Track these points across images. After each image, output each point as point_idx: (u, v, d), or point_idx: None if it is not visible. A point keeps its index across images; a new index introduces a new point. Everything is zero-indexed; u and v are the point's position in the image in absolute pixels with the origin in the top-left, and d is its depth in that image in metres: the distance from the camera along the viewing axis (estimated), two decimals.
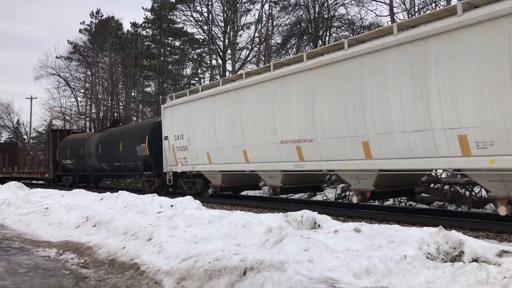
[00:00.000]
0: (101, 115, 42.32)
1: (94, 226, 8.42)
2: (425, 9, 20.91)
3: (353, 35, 23.88)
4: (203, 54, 38.56)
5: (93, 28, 47.17)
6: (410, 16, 21.49)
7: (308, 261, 4.78)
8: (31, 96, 58.83)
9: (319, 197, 16.31)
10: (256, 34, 31.32)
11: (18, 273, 5.83)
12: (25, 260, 6.55)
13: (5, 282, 5.39)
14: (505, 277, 3.76)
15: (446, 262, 4.81)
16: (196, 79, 38.71)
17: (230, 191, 16.42)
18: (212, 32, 32.39)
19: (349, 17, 24.37)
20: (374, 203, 13.38)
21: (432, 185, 13.03)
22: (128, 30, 45.16)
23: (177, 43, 40.71)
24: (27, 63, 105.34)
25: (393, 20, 21.53)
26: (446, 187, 12.80)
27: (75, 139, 27.32)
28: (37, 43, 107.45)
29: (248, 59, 32.62)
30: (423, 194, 13.50)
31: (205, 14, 32.56)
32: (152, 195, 12.12)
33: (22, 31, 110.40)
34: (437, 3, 20.31)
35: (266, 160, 12.66)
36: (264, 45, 30.04)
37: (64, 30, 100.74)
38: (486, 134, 7.60)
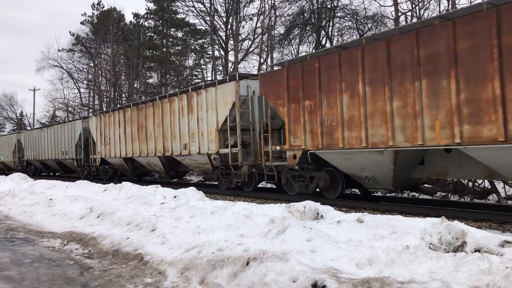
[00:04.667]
0: (104, 107, 42.35)
1: (98, 217, 8.46)
2: None
3: (356, 26, 23.76)
4: (205, 45, 38.47)
5: (95, 20, 47.05)
6: (413, 6, 21.32)
7: (311, 251, 4.80)
8: (34, 88, 58.99)
9: None
10: (259, 25, 31.19)
11: (23, 263, 5.88)
12: (30, 251, 6.61)
13: (10, 272, 5.45)
14: (507, 267, 3.76)
15: (448, 252, 4.83)
16: (199, 70, 38.65)
17: None
18: (215, 23, 32.26)
19: (353, 8, 24.21)
20: (377, 194, 13.38)
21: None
22: (130, 21, 45.13)
23: (179, 34, 40.61)
24: (27, 50, 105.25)
25: (397, 10, 21.36)
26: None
27: None
28: (34, 30, 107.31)
29: (251, 50, 32.54)
30: (426, 185, 13.50)
31: (207, 5, 32.45)
32: (155, 186, 12.17)
33: (17, 17, 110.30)
34: None
35: None
36: (266, 35, 29.90)
37: (61, 16, 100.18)
38: None
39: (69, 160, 26.63)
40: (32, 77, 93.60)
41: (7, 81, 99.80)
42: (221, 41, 32.75)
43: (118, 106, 26.45)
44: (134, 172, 21.73)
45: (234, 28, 31.18)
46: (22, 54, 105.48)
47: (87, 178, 23.07)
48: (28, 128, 52.80)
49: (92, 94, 48.73)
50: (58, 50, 49.59)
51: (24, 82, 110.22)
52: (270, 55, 29.81)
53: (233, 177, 14.79)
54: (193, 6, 33.70)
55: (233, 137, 14.47)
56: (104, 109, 40.24)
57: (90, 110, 45.04)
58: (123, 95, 43.47)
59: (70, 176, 27.98)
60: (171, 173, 19.17)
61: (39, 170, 32.87)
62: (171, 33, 40.65)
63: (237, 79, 14.39)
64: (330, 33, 24.93)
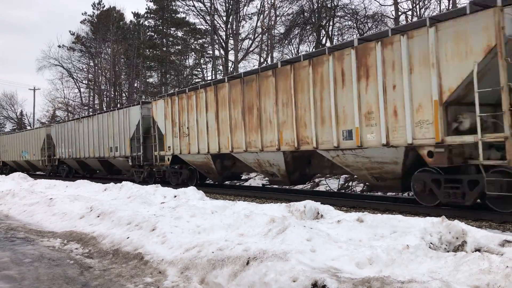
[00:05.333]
0: (104, 106, 42.33)
1: (98, 216, 8.46)
2: None
3: (356, 25, 23.74)
4: (205, 45, 38.50)
5: (95, 19, 47.10)
6: (414, 5, 21.32)
7: (311, 251, 4.80)
8: (34, 87, 58.92)
9: (322, 187, 16.35)
10: (259, 24, 31.20)
11: (23, 263, 5.88)
12: (30, 250, 6.61)
13: (10, 271, 5.45)
14: (507, 266, 3.76)
15: (448, 251, 4.83)
16: (199, 69, 38.66)
17: None
18: (215, 22, 32.27)
19: (353, 7, 24.22)
20: (377, 194, 13.37)
21: None
22: (130, 21, 45.21)
23: (179, 34, 40.66)
24: (27, 50, 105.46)
25: (397, 9, 21.35)
26: None
27: None
28: (34, 29, 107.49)
29: (251, 49, 32.55)
30: None
31: (208, 4, 32.48)
32: (155, 185, 12.16)
33: (17, 15, 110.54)
34: None
35: None
36: (267, 35, 29.90)
37: (61, 15, 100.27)
38: None
39: (120, 158, 20.81)
40: (33, 77, 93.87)
41: (7, 80, 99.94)
42: (221, 41, 32.77)
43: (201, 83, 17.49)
44: (223, 174, 15.80)
45: (234, 27, 31.19)
46: (22, 54, 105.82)
47: (145, 182, 18.06)
48: (29, 127, 52.78)
49: (92, 94, 48.77)
50: (59, 46, 49.67)
51: (24, 82, 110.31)
52: (270, 54, 29.81)
53: (467, 187, 8.70)
54: (193, 6, 33.82)
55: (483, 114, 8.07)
56: (105, 108, 40.08)
57: (90, 110, 45.05)
58: (123, 94, 43.52)
59: (119, 178, 21.85)
60: (295, 175, 13.15)
61: (74, 170, 27.45)
62: (171, 32, 40.71)
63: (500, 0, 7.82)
64: (330, 33, 24.93)
